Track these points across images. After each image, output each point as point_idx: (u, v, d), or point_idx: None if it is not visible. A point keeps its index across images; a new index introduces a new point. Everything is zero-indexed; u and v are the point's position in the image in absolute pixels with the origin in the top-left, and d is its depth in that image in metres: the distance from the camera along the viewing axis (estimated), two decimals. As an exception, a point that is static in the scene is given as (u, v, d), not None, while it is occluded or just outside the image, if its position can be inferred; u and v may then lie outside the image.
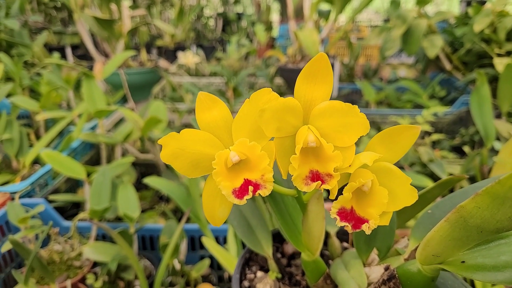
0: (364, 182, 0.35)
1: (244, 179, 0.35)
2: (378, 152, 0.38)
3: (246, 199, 0.35)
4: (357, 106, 0.34)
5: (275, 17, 4.26)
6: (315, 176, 0.35)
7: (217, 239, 1.08)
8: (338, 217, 0.36)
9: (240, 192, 0.35)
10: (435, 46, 1.73)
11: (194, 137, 0.37)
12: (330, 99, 0.37)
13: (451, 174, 1.22)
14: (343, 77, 2.41)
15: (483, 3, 2.96)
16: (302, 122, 0.37)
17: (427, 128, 1.52)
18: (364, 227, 0.35)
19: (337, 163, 0.34)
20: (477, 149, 1.48)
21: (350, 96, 2.20)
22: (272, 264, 0.55)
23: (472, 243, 0.33)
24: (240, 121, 0.37)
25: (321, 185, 0.35)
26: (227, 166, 0.36)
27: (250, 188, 0.34)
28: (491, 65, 1.76)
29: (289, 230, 0.46)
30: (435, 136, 1.56)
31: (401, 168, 1.40)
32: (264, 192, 0.35)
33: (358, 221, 0.36)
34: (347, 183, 0.36)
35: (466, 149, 1.59)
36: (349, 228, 0.36)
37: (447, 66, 1.98)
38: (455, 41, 2.04)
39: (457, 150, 1.69)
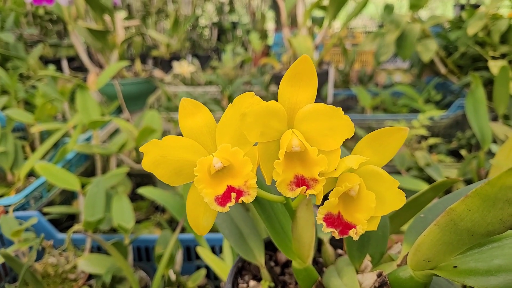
0: (350, 186, 0.34)
1: (227, 185, 0.34)
2: (366, 155, 0.37)
3: (236, 207, 0.34)
4: (341, 108, 0.33)
5: (270, 25, 4.28)
6: (300, 181, 0.34)
7: (213, 249, 1.06)
8: (324, 223, 0.35)
9: (223, 199, 0.34)
10: (429, 50, 1.73)
11: (176, 144, 0.36)
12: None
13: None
14: (338, 83, 2.41)
15: (477, 7, 2.97)
16: (286, 127, 0.36)
17: (423, 132, 1.51)
18: (352, 232, 0.34)
19: (322, 167, 0.33)
20: (474, 153, 1.47)
21: (346, 102, 2.20)
22: (264, 273, 0.54)
23: (463, 247, 0.32)
24: (223, 127, 0.36)
25: (306, 190, 0.34)
26: (210, 173, 0.35)
27: (233, 195, 0.33)
28: (486, 68, 1.76)
29: (278, 237, 0.45)
30: (432, 140, 1.56)
31: (398, 173, 1.39)
32: (248, 198, 0.34)
33: (346, 226, 0.35)
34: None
35: (463, 152, 1.58)
36: (336, 234, 0.35)
37: (442, 70, 1.98)
38: (449, 45, 2.04)
39: (454, 154, 1.68)
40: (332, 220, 0.35)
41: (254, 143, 0.36)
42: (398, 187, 0.36)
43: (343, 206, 0.36)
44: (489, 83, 1.77)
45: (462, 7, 3.22)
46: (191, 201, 0.38)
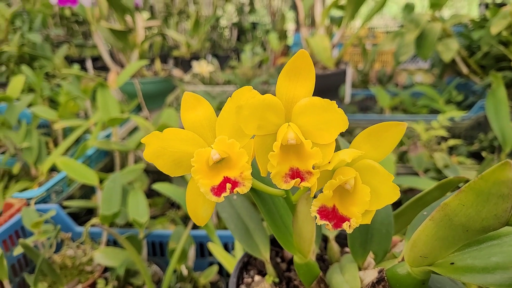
0: (344, 179, 0.34)
1: (224, 176, 0.35)
2: (363, 150, 0.37)
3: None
4: (335, 102, 0.34)
5: (290, 25, 4.27)
6: (295, 174, 0.35)
7: (226, 246, 1.07)
8: (318, 216, 0.35)
9: (219, 189, 0.34)
10: (451, 49, 1.70)
11: (176, 136, 0.37)
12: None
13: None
14: (357, 83, 2.38)
15: (502, 5, 2.89)
16: (284, 120, 0.37)
17: (443, 133, 1.49)
18: (345, 225, 0.34)
19: (317, 160, 0.34)
20: (494, 154, 1.43)
21: (364, 102, 2.17)
22: (269, 268, 0.55)
23: (459, 243, 0.32)
24: (222, 120, 0.37)
25: (300, 182, 0.34)
26: (209, 164, 0.36)
27: (228, 185, 0.34)
28: (510, 68, 1.71)
29: (279, 232, 0.45)
30: (452, 142, 1.53)
31: (416, 174, 1.37)
32: (242, 189, 0.34)
33: (340, 219, 0.35)
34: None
35: (485, 154, 1.54)
36: (330, 226, 0.35)
37: (464, 70, 1.93)
38: (472, 45, 2.00)
39: (476, 156, 1.64)
40: (326, 212, 0.35)
41: (251, 136, 0.37)
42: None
43: (339, 199, 0.36)
44: (513, 84, 1.72)
45: (487, 6, 3.14)
46: (191, 192, 0.39)
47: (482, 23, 1.94)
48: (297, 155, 0.36)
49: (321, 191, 0.36)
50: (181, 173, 0.38)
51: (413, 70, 2.71)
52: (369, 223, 0.35)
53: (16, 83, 1.64)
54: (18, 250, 0.97)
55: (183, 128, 0.39)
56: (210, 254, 1.10)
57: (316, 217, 0.35)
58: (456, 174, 1.25)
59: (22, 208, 1.06)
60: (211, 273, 1.02)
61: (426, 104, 1.91)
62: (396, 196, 0.35)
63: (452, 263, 0.32)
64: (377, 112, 1.99)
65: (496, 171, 0.27)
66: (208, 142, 0.38)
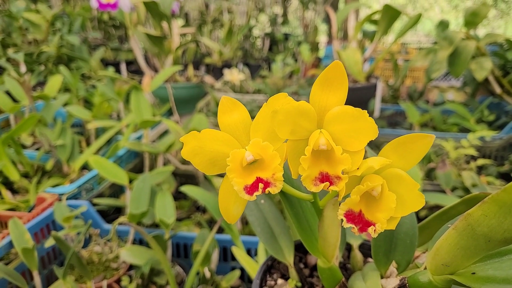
0: (372, 185, 0.36)
1: (256, 177, 0.37)
2: (391, 159, 0.38)
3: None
4: (366, 111, 0.35)
5: (323, 38, 4.29)
6: (324, 178, 0.36)
7: (249, 251, 1.09)
8: (344, 219, 0.36)
9: (251, 188, 0.37)
10: (484, 68, 1.68)
11: (213, 136, 0.40)
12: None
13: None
14: (387, 98, 2.38)
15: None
16: (316, 126, 0.39)
17: (472, 152, 1.46)
18: (370, 230, 0.36)
19: (346, 165, 0.36)
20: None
21: (393, 117, 2.16)
22: (292, 272, 0.56)
23: (481, 253, 0.33)
24: (257, 124, 0.39)
25: (329, 186, 0.36)
26: (242, 165, 0.38)
27: (261, 185, 0.36)
28: (546, 90, 1.68)
29: (305, 235, 0.46)
30: (481, 161, 1.50)
31: (442, 192, 1.35)
32: (274, 190, 0.36)
33: (365, 224, 0.36)
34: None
35: (515, 176, 1.51)
36: (355, 230, 0.36)
37: (497, 90, 1.90)
38: (506, 65, 1.96)
39: (506, 177, 1.60)
40: (353, 216, 0.37)
41: (284, 140, 0.39)
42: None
43: (366, 205, 0.38)
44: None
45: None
46: (224, 190, 0.41)
47: (518, 43, 1.90)
48: (327, 160, 0.38)
49: (348, 196, 0.37)
50: (216, 171, 0.41)
51: (444, 87, 2.67)
52: (394, 228, 0.36)
53: (54, 83, 1.72)
54: (49, 242, 1.02)
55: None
56: (233, 259, 1.12)
57: (342, 220, 0.36)
58: (485, 194, 1.23)
59: (54, 203, 1.11)
60: (233, 277, 1.04)
61: (456, 122, 1.88)
62: (421, 204, 0.36)
63: (474, 273, 0.33)
64: (406, 128, 1.98)
65: (520, 184, 0.28)
66: (242, 144, 0.41)
